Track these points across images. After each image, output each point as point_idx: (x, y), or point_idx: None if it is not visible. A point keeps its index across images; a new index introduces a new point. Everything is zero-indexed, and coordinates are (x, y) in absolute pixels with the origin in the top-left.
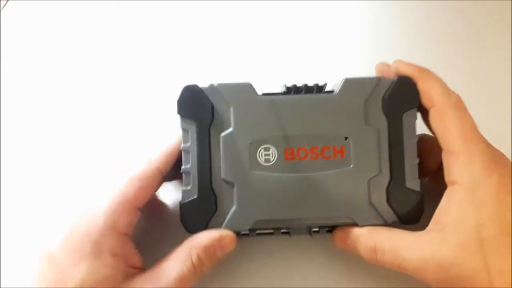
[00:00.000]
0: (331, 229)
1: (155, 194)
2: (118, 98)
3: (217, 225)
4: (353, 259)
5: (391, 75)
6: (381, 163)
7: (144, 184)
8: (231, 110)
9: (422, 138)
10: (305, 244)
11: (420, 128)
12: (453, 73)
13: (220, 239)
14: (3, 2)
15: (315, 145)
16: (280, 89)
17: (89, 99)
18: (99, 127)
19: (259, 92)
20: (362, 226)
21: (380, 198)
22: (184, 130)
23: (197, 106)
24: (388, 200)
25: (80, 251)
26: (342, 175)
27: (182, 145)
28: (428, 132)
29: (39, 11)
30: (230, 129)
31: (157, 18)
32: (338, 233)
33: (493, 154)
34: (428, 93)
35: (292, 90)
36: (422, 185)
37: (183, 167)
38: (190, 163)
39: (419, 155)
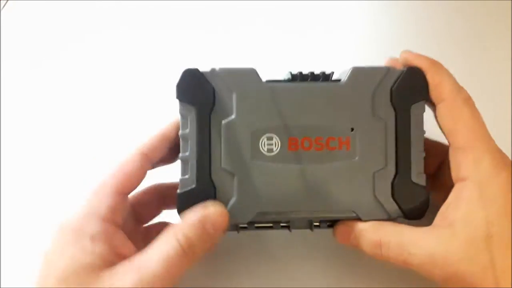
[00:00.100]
0: (332, 223)
1: None
2: (118, 98)
3: None
4: (353, 256)
5: (399, 66)
6: (387, 156)
7: (125, 169)
8: (234, 96)
9: None
10: (304, 242)
11: None
12: (453, 73)
13: (207, 212)
14: (3, 2)
15: (320, 135)
16: (285, 76)
17: (89, 99)
18: (99, 127)
19: (263, 79)
20: (365, 221)
21: (385, 192)
22: (183, 116)
23: (197, 90)
24: (393, 195)
25: (63, 239)
26: (347, 168)
27: (180, 131)
28: (425, 126)
29: (39, 11)
30: (232, 117)
31: (157, 18)
32: (340, 228)
33: (501, 153)
34: (438, 86)
35: (298, 77)
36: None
37: (180, 154)
38: (189, 151)
39: None
